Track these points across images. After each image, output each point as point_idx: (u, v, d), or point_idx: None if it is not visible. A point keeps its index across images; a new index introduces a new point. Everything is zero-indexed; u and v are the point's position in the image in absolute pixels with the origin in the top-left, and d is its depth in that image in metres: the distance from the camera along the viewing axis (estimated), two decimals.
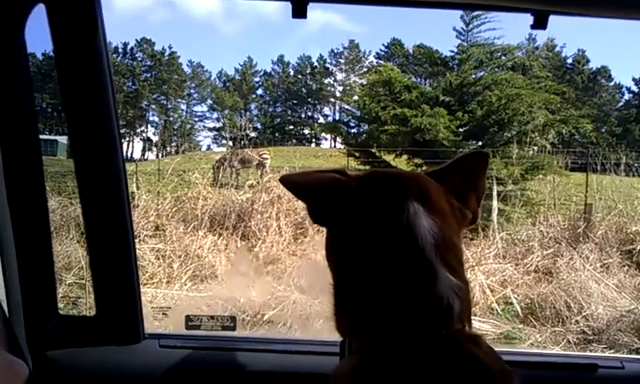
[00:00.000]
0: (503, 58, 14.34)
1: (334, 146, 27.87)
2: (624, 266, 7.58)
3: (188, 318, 1.77)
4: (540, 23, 1.16)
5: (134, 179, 10.78)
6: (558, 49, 33.02)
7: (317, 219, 0.99)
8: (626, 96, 34.36)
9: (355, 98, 18.47)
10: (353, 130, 16.78)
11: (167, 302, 6.89)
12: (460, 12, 14.21)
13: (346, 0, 1.27)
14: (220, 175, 11.88)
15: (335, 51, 40.47)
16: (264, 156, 14.04)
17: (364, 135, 15.39)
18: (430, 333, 0.81)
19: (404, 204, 0.88)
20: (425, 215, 0.87)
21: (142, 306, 1.60)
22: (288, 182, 0.99)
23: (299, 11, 1.20)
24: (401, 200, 0.89)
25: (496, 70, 14.07)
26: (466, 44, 14.12)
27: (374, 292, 0.86)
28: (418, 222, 0.86)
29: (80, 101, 1.40)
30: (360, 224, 0.90)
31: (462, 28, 14.17)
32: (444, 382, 0.78)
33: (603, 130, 28.26)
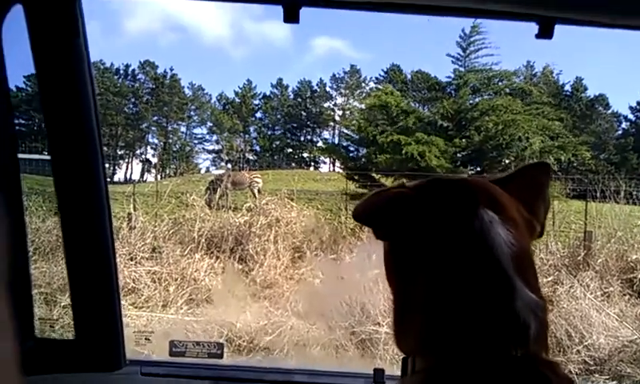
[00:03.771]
0: (501, 83, 14.45)
1: (333, 170, 27.92)
2: (625, 294, 7.48)
3: (172, 344, 1.68)
4: (546, 31, 1.10)
5: (132, 200, 10.75)
6: (555, 76, 33.35)
7: (380, 235, 0.90)
8: (624, 124, 34.60)
9: (356, 114, 18.50)
10: (352, 154, 16.80)
11: (162, 326, 6.79)
12: (457, 38, 14.51)
13: (340, 5, 1.22)
14: (217, 196, 11.84)
15: (337, 76, 40.79)
16: (255, 179, 14.10)
17: (363, 159, 15.42)
18: (502, 354, 0.73)
19: (477, 211, 0.80)
20: (500, 224, 0.79)
21: (123, 330, 1.52)
22: (357, 216, 0.91)
23: (291, 15, 1.16)
24: (473, 207, 0.81)
25: (492, 96, 14.17)
26: (462, 69, 14.26)
27: (441, 306, 0.78)
28: (493, 231, 0.78)
29: (59, 107, 1.34)
30: (424, 233, 0.82)
31: (459, 53, 14.36)
32: None
33: (601, 158, 28.31)
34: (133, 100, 38.31)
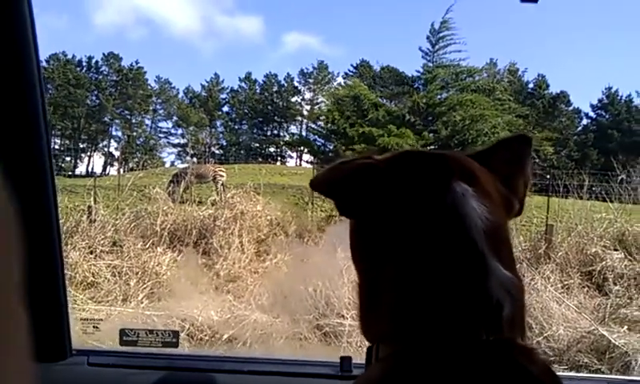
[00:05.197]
0: (468, 79, 14.62)
1: (300, 165, 27.89)
2: (584, 286, 7.66)
3: (122, 332, 1.58)
4: None
5: (92, 193, 10.47)
6: (521, 73, 34.04)
7: (344, 210, 0.83)
8: (584, 121, 35.54)
9: (324, 108, 18.47)
10: (320, 148, 16.80)
11: (122, 320, 6.62)
12: (426, 32, 14.65)
13: None
14: (180, 189, 11.64)
15: (305, 71, 40.71)
16: (220, 173, 13.93)
17: (330, 154, 15.42)
18: (471, 339, 0.67)
19: (449, 183, 0.74)
20: (473, 197, 0.73)
21: (69, 318, 1.42)
22: (317, 184, 0.86)
23: None
24: (445, 179, 0.75)
25: (459, 92, 14.35)
26: (431, 64, 14.39)
27: (409, 289, 0.71)
28: (465, 204, 0.72)
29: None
30: (393, 208, 0.75)
31: (429, 49, 14.48)
32: None
33: (562, 154, 29.00)
34: (95, 92, 37.51)
